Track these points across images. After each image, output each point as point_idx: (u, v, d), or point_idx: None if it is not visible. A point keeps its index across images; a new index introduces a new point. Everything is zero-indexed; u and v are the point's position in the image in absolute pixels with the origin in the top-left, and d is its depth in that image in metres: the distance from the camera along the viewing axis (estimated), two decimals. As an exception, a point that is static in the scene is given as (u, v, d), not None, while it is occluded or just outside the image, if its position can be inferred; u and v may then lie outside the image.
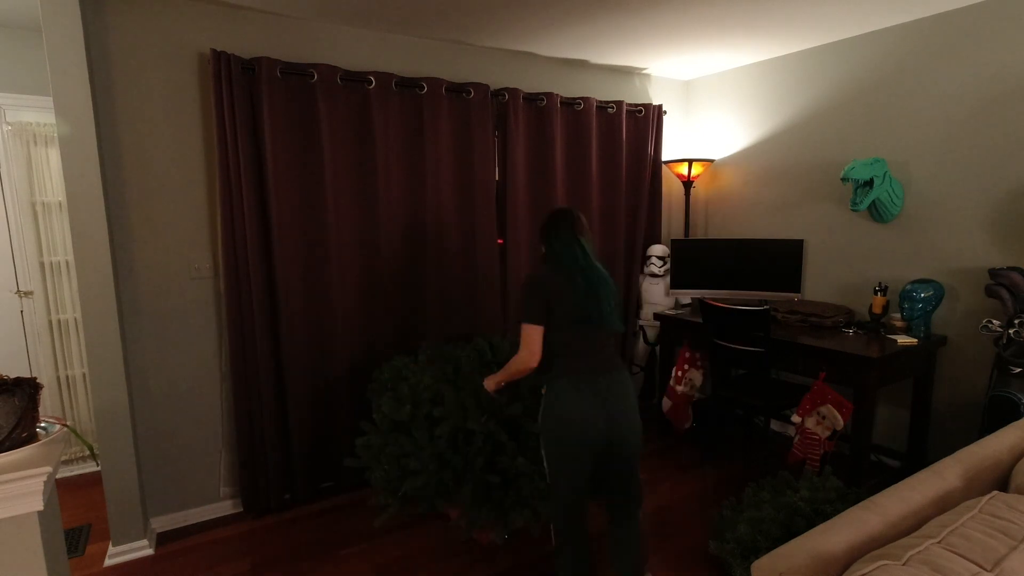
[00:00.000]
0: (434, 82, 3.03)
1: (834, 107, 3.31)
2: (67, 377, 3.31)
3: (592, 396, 1.90)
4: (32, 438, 1.33)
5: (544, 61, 3.48)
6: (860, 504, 1.46)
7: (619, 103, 3.64)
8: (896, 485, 1.55)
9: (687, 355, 3.47)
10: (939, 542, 1.23)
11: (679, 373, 3.48)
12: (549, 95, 3.37)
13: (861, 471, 2.69)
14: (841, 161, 3.27)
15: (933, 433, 3.01)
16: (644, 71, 3.85)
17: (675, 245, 3.68)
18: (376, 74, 2.86)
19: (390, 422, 2.41)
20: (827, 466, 2.46)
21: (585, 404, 1.89)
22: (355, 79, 2.83)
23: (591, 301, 1.90)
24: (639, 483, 2.08)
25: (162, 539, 2.68)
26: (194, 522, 2.80)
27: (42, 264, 3.20)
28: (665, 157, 3.99)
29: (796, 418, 2.86)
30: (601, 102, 3.60)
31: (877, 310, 2.96)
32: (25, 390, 1.30)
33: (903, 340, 2.76)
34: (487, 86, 3.18)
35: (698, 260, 3.65)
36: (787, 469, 2.66)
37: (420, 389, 2.42)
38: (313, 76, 2.72)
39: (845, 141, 3.27)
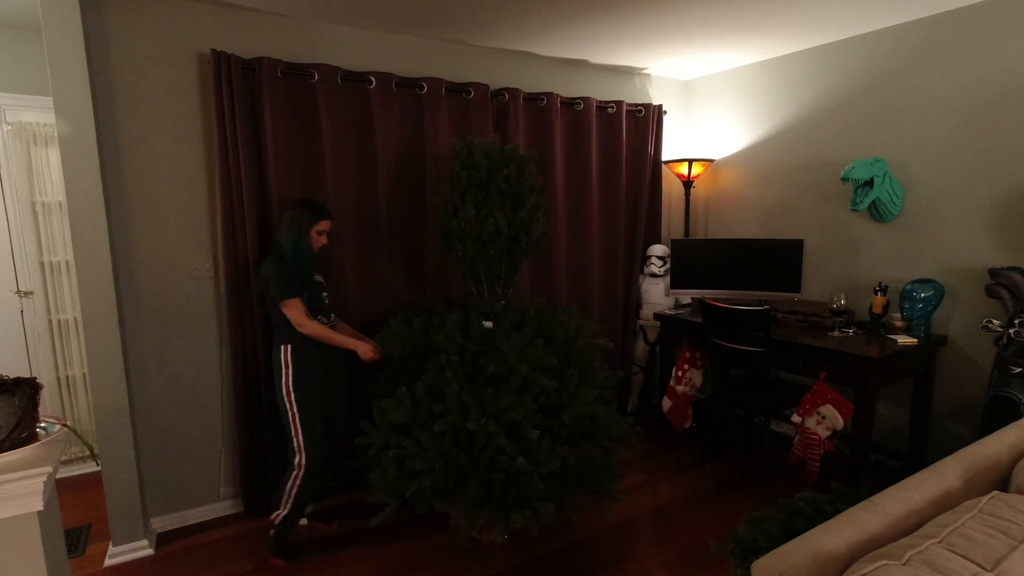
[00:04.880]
0: (434, 82, 3.03)
1: (834, 107, 3.31)
2: (67, 377, 3.31)
3: None
4: (32, 438, 1.32)
5: (544, 61, 3.48)
6: (860, 504, 1.46)
7: (619, 103, 3.64)
8: (896, 485, 1.55)
9: (687, 355, 3.47)
10: (939, 542, 1.23)
11: (679, 373, 3.47)
12: (549, 95, 3.37)
13: (861, 471, 2.69)
14: (841, 161, 3.27)
15: (933, 433, 3.01)
16: (644, 71, 3.85)
17: (675, 245, 3.68)
18: (376, 74, 2.86)
19: (389, 424, 2.40)
20: (834, 482, 2.31)
21: None
22: (355, 79, 2.83)
23: None
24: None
25: (162, 539, 2.68)
26: (194, 522, 2.80)
27: (42, 264, 3.20)
28: (665, 157, 3.99)
29: (796, 418, 2.86)
30: (601, 102, 3.60)
31: (877, 310, 2.96)
32: (25, 390, 1.30)
33: (903, 340, 2.76)
34: (487, 86, 3.18)
35: (698, 260, 3.65)
36: (787, 469, 2.65)
37: (417, 387, 2.42)
38: (314, 76, 2.72)
39: (845, 141, 3.27)
